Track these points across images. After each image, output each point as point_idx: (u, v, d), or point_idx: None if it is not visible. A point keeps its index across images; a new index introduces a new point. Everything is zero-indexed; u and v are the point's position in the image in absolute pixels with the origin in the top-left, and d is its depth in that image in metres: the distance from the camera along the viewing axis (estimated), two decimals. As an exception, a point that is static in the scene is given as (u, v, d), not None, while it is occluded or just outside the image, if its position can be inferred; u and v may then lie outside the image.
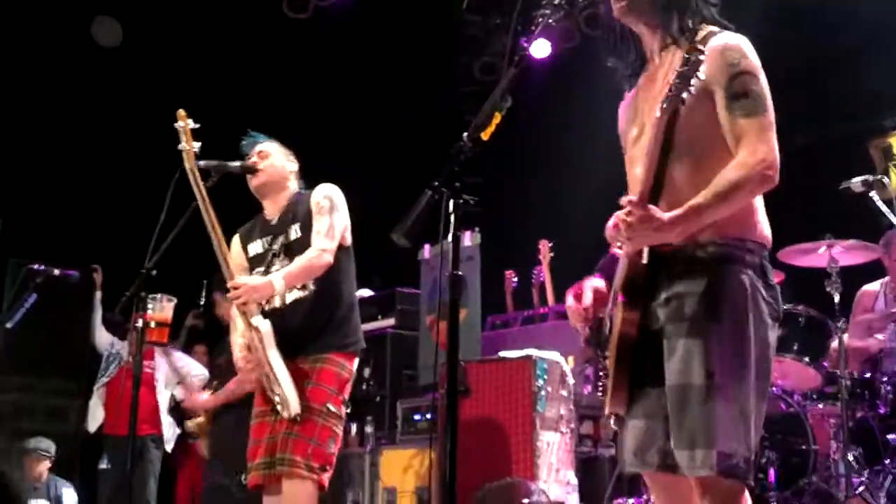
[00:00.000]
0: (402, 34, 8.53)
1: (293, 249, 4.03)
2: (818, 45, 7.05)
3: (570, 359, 6.33)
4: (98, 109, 8.40)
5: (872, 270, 5.77)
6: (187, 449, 7.51)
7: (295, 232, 4.07)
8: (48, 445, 7.20)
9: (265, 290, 3.85)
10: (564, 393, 5.96)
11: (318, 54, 8.74)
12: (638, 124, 2.66)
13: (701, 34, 2.54)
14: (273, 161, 4.18)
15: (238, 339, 4.07)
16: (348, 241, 4.12)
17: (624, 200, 2.46)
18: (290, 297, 4.01)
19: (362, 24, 8.59)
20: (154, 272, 3.85)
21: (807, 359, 5.29)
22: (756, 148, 2.44)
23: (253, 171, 4.16)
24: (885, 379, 5.21)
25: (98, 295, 7.08)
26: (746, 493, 2.50)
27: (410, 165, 6.95)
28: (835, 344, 5.21)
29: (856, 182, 5.07)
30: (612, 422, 2.63)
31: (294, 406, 3.78)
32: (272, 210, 4.20)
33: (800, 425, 5.18)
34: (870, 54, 7.13)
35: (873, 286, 5.78)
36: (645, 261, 2.51)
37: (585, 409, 6.41)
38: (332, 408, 3.88)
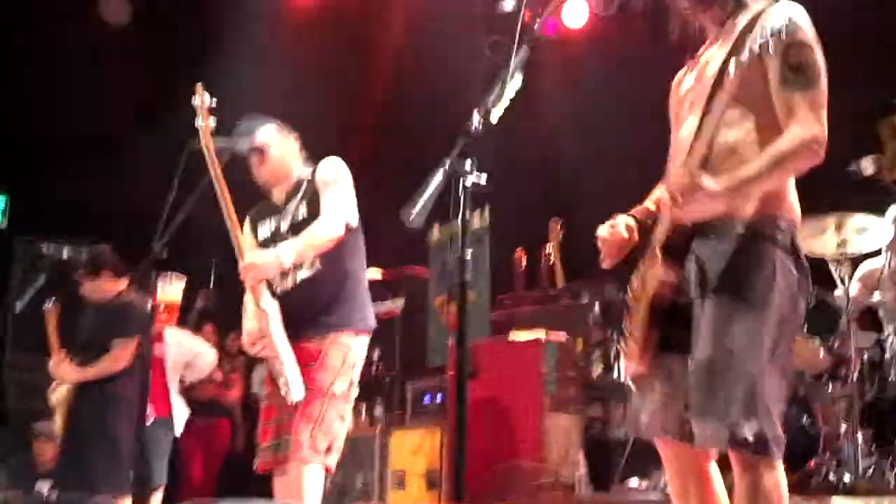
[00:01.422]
0: (408, 11, 8.49)
1: (302, 229, 3.97)
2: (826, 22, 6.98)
3: (580, 340, 6.31)
4: (108, 84, 8.37)
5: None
6: (198, 431, 7.53)
7: (302, 212, 4.03)
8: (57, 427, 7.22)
9: (272, 265, 3.80)
10: (573, 374, 5.95)
11: (319, 29, 8.70)
12: (691, 96, 2.65)
13: (758, 5, 2.51)
14: (271, 157, 4.12)
15: (248, 321, 4.03)
16: (355, 217, 4.07)
17: (677, 169, 2.46)
18: (300, 276, 3.97)
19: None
20: (164, 255, 3.82)
21: (817, 340, 5.27)
22: (808, 123, 2.44)
23: (262, 152, 4.12)
24: (893, 361, 5.20)
25: (108, 275, 7.06)
26: (777, 471, 2.51)
27: (421, 144, 6.92)
28: (844, 325, 5.19)
29: (865, 163, 5.03)
30: (632, 384, 2.67)
31: (297, 392, 3.73)
32: (279, 193, 4.18)
33: (807, 408, 5.18)
34: (873, 32, 7.05)
35: (876, 262, 5.73)
36: (690, 224, 2.51)
37: (595, 390, 6.40)
38: (337, 389, 3.83)
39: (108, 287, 5.62)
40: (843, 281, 5.13)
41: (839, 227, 5.16)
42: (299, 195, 4.07)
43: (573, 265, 7.31)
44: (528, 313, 6.82)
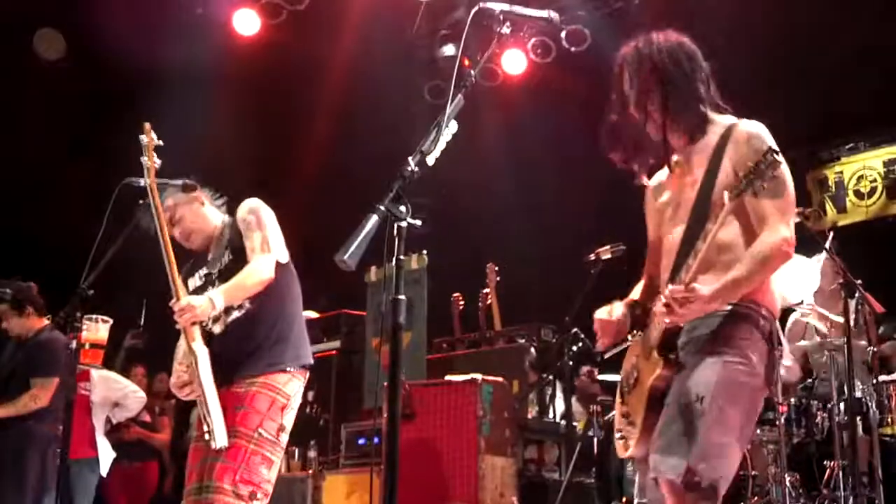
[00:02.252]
0: (354, 53, 8.53)
1: (230, 275, 3.90)
2: (755, 71, 7.18)
3: (516, 382, 6.33)
4: (37, 122, 8.24)
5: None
6: (125, 473, 7.36)
7: (228, 257, 4.00)
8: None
9: (205, 307, 3.73)
10: (509, 416, 5.95)
11: (265, 69, 8.70)
12: (674, 205, 2.96)
13: (720, 121, 2.89)
14: (185, 220, 4.09)
15: (177, 363, 3.95)
16: (284, 254, 4.03)
17: (672, 289, 2.69)
18: (230, 318, 3.92)
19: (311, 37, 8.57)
20: (90, 292, 3.76)
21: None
22: (779, 228, 2.73)
23: (193, 189, 4.08)
24: (820, 406, 5.30)
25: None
26: None
27: (357, 187, 6.94)
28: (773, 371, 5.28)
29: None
30: (637, 464, 2.95)
31: (220, 438, 3.65)
32: (204, 246, 4.14)
33: (739, 451, 5.23)
34: (807, 85, 7.29)
35: (797, 315, 5.92)
36: (682, 323, 2.79)
37: (530, 432, 6.41)
38: (264, 433, 3.75)
39: (31, 324, 5.62)
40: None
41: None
42: (223, 242, 4.05)
43: (510, 309, 7.36)
44: (465, 356, 6.83)
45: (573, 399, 6.55)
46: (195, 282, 4.10)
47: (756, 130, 2.81)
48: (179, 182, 4.06)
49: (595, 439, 5.52)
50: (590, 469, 5.62)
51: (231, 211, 4.16)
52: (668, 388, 2.79)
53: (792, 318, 5.93)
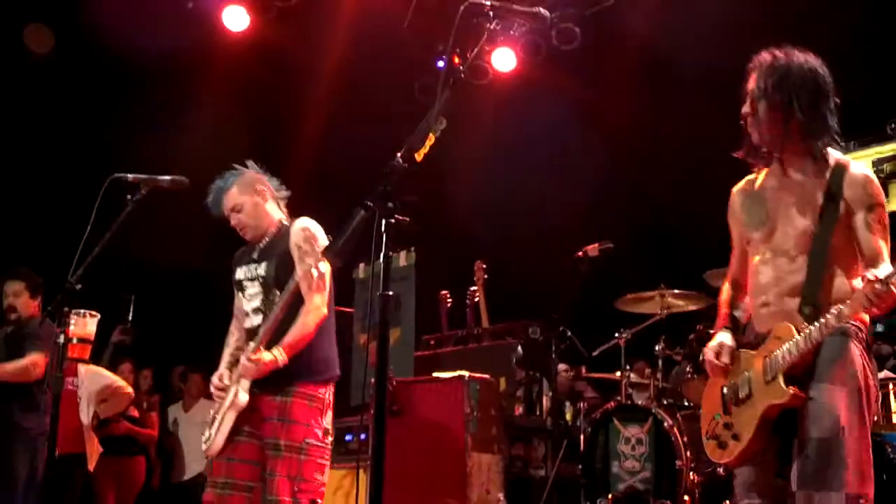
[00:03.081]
0: (343, 49, 8.52)
1: (267, 282, 4.14)
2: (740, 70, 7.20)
3: (503, 380, 6.34)
4: (26, 117, 8.22)
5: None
6: (109, 467, 7.34)
7: (271, 267, 4.15)
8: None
9: (270, 365, 3.93)
10: (496, 413, 5.97)
11: (254, 65, 8.69)
12: (769, 225, 3.16)
13: (832, 154, 3.13)
14: (245, 212, 4.25)
15: (225, 356, 4.26)
16: (329, 279, 4.16)
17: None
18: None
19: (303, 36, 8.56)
20: (78, 286, 3.77)
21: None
22: (888, 264, 3.00)
23: (182, 185, 4.10)
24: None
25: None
26: None
27: (345, 184, 6.94)
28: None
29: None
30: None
31: (213, 448, 3.99)
32: (257, 240, 4.30)
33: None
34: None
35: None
36: (810, 349, 2.97)
37: (517, 430, 6.43)
38: (311, 440, 3.96)
39: (32, 309, 5.68)
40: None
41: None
42: (274, 251, 4.18)
43: (497, 306, 7.38)
44: (453, 353, 6.85)
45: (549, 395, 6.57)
46: (240, 273, 4.27)
47: (871, 175, 3.13)
48: (168, 178, 4.06)
49: (582, 436, 5.54)
50: (576, 465, 5.64)
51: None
52: (781, 414, 3.00)
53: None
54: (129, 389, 7.17)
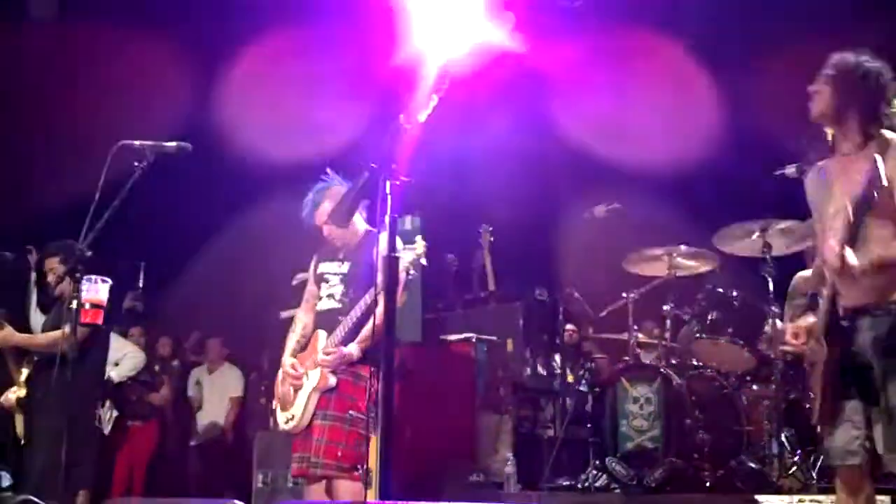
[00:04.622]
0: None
1: (347, 279, 4.54)
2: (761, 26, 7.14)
3: (510, 341, 6.38)
4: (34, 85, 8.21)
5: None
6: (125, 431, 7.44)
7: (354, 268, 4.55)
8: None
9: (346, 359, 4.38)
10: (504, 374, 6.01)
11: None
12: (835, 205, 3.44)
13: (887, 137, 3.41)
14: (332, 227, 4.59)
15: (292, 340, 4.63)
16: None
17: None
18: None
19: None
20: (89, 253, 3.80)
21: (741, 342, 5.40)
22: None
23: (187, 150, 4.12)
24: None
25: (33, 276, 6.94)
26: None
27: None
28: (769, 328, 5.33)
29: (790, 169, 5.17)
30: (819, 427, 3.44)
31: (300, 425, 4.43)
32: (343, 241, 4.65)
33: (733, 407, 5.29)
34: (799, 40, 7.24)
35: (809, 272, 5.89)
36: (842, 314, 3.35)
37: (525, 391, 6.47)
38: (354, 413, 4.33)
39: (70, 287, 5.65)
40: (768, 281, 5.26)
41: (764, 231, 5.31)
42: (358, 256, 4.55)
43: (504, 269, 7.38)
44: (460, 315, 6.88)
45: (557, 356, 6.61)
46: (324, 267, 4.66)
47: None
48: (174, 144, 4.07)
49: (590, 396, 5.57)
50: (584, 425, 5.68)
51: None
52: (843, 364, 3.32)
53: (798, 277, 5.93)
54: (141, 354, 7.25)
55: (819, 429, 3.45)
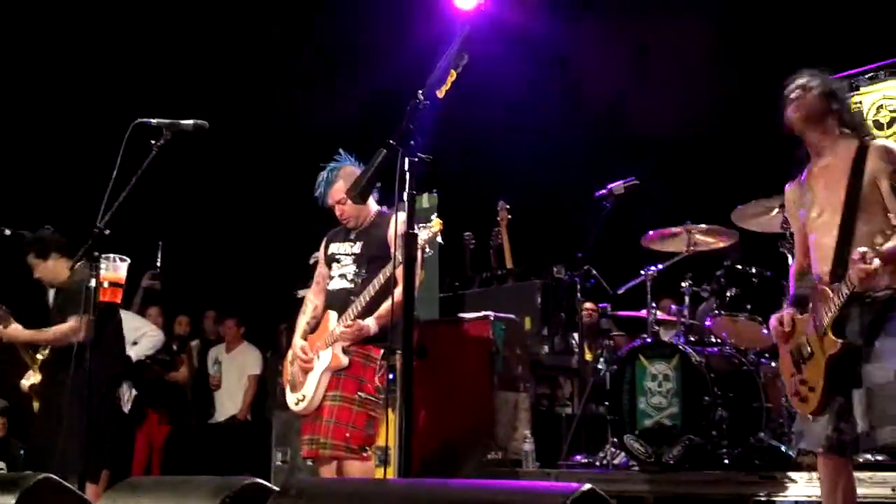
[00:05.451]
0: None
1: (361, 259, 4.56)
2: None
3: (528, 319, 6.37)
4: (46, 64, 8.22)
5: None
6: (144, 410, 7.49)
7: (367, 247, 4.57)
8: (2, 404, 7.17)
9: (364, 332, 4.40)
10: (522, 352, 6.01)
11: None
12: (818, 206, 3.67)
13: (865, 140, 3.66)
14: (349, 204, 4.56)
15: (302, 322, 4.66)
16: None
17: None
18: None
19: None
20: (107, 231, 3.81)
21: (760, 318, 5.37)
22: None
23: (204, 128, 4.11)
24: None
25: (52, 255, 6.95)
26: None
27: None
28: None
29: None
30: (809, 417, 3.55)
31: (310, 406, 4.44)
32: (355, 223, 4.66)
33: (752, 383, 5.27)
34: (826, 13, 7.17)
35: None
36: (843, 302, 3.44)
37: (542, 368, 6.47)
38: (363, 394, 4.39)
39: (60, 268, 5.61)
40: (787, 257, 5.22)
41: (783, 207, 5.26)
42: (370, 237, 4.58)
43: (521, 247, 7.37)
44: (477, 294, 6.87)
45: (575, 334, 6.60)
46: (335, 248, 4.67)
47: (890, 147, 3.64)
48: (190, 122, 4.06)
49: (608, 374, 5.56)
50: (602, 403, 5.68)
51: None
52: (845, 362, 3.44)
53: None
54: (160, 333, 7.28)
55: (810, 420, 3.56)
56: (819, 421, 3.54)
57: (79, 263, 5.31)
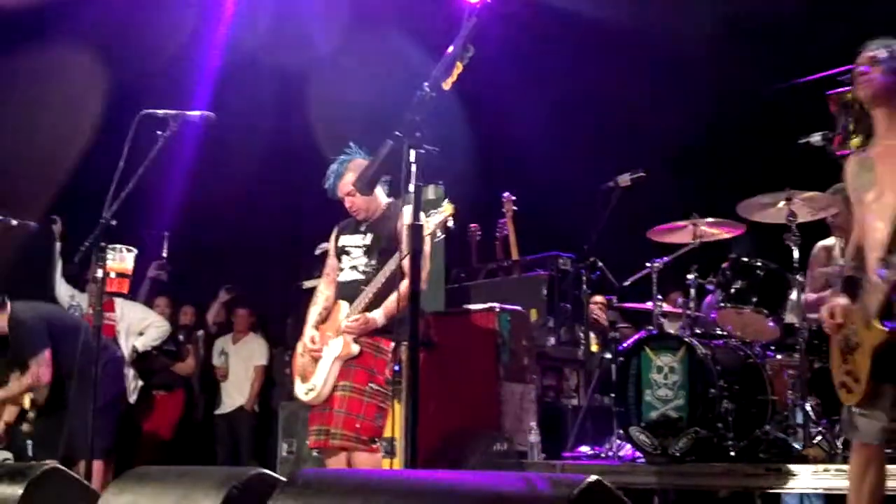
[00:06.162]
0: None
1: (371, 251, 4.58)
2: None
3: (534, 311, 6.37)
4: (53, 56, 8.21)
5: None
6: (151, 401, 7.52)
7: (377, 239, 4.59)
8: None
9: (371, 324, 4.42)
10: (528, 344, 6.01)
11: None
12: (878, 189, 3.51)
13: None
14: (357, 197, 4.58)
15: (314, 313, 4.66)
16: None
17: None
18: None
19: None
20: (113, 222, 3.82)
21: (766, 311, 5.36)
22: None
23: (211, 119, 4.13)
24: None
25: (58, 246, 6.99)
26: None
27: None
28: (793, 296, 5.29)
29: (815, 137, 5.11)
30: (855, 408, 3.48)
31: (320, 396, 4.45)
32: (365, 215, 4.68)
33: (758, 376, 5.27)
34: (824, 9, 7.14)
35: (829, 241, 5.85)
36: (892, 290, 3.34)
37: (549, 360, 6.47)
38: (375, 385, 4.41)
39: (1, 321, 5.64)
40: (792, 250, 5.21)
41: (789, 200, 5.26)
42: (381, 228, 4.60)
43: (527, 238, 7.36)
44: (483, 285, 6.87)
45: (581, 325, 6.60)
46: (346, 240, 4.68)
47: None
48: (197, 113, 4.07)
49: (613, 365, 5.56)
50: (608, 395, 5.68)
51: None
52: (889, 352, 3.33)
53: (818, 245, 5.89)
54: (166, 324, 7.30)
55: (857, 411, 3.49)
56: (874, 414, 3.43)
57: (8, 304, 5.39)
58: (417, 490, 2.00)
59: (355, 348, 4.41)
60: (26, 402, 5.75)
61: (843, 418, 3.70)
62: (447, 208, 4.14)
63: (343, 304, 4.52)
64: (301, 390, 4.57)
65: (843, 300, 3.58)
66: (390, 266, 4.38)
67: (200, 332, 8.54)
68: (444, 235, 4.06)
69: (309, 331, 4.62)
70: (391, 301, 4.39)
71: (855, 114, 3.68)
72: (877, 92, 3.55)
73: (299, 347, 4.68)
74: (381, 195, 4.67)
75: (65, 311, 6.22)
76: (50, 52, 8.02)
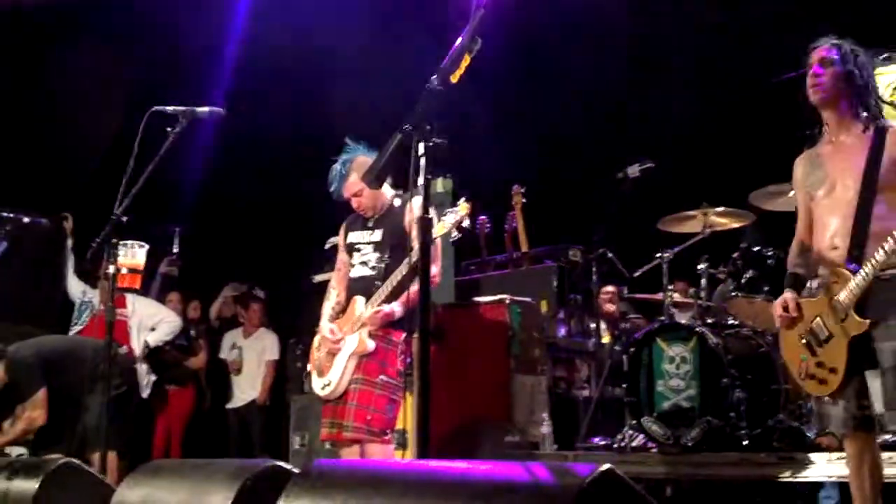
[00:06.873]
0: None
1: (381, 246, 4.58)
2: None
3: (544, 302, 6.37)
4: (65, 51, 8.24)
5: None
6: (163, 395, 7.55)
7: (386, 235, 4.59)
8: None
9: (389, 316, 4.43)
10: (538, 336, 6.01)
11: None
12: (828, 186, 3.63)
13: (879, 123, 3.62)
14: (365, 195, 4.60)
15: (328, 307, 4.69)
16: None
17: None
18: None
19: None
20: (125, 219, 3.84)
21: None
22: None
23: (220, 115, 4.13)
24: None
25: (69, 243, 7.01)
26: None
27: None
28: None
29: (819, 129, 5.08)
30: (828, 398, 3.56)
31: (336, 391, 4.46)
32: (373, 212, 4.68)
33: (770, 365, 5.26)
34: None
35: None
36: (867, 282, 3.43)
37: (559, 351, 6.47)
38: (385, 377, 4.42)
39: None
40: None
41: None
42: (388, 223, 4.60)
43: (537, 230, 7.36)
44: (493, 277, 6.87)
45: (592, 316, 6.60)
46: (354, 237, 4.69)
47: None
48: (206, 109, 4.08)
49: (625, 356, 5.56)
50: (620, 385, 5.68)
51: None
52: (864, 342, 3.43)
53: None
54: (178, 319, 7.32)
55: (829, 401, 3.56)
56: (839, 402, 3.53)
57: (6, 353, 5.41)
58: (430, 480, 2.00)
59: (371, 345, 4.42)
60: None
61: (814, 410, 3.86)
62: (463, 207, 4.13)
63: (359, 300, 4.52)
64: (318, 385, 4.59)
65: (792, 294, 3.70)
66: (409, 260, 4.38)
67: (202, 327, 8.55)
68: (459, 235, 4.07)
69: (326, 324, 4.63)
70: (408, 295, 4.34)
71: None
72: (825, 98, 3.65)
73: (315, 342, 4.69)
74: (387, 188, 4.65)
75: (60, 339, 6.18)
76: (67, 50, 8.06)
